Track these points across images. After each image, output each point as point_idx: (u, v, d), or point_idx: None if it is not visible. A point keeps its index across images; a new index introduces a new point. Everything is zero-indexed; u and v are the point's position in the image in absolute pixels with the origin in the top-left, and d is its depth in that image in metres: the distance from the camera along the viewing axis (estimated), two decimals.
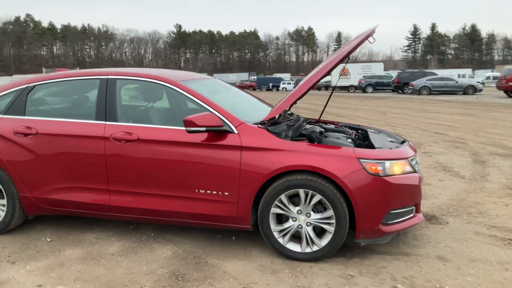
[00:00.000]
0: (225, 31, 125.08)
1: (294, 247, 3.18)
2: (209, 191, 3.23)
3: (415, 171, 3.29)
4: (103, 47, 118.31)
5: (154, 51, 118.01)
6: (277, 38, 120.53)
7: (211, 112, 3.25)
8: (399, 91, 31.07)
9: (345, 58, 3.54)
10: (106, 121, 3.42)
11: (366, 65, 42.12)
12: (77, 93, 3.72)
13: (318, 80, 3.58)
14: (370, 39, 3.49)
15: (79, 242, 3.52)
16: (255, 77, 69.42)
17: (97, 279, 2.91)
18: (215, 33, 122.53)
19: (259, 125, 3.29)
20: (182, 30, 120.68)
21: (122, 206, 3.42)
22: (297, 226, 3.16)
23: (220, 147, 3.18)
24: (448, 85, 27.57)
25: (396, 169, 3.13)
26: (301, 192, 3.08)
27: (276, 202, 3.13)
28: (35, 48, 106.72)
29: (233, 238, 3.59)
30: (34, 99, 3.70)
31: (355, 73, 37.51)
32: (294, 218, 3.16)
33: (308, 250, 3.15)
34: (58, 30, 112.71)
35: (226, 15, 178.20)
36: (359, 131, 4.22)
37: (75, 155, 3.43)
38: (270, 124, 3.35)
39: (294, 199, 3.15)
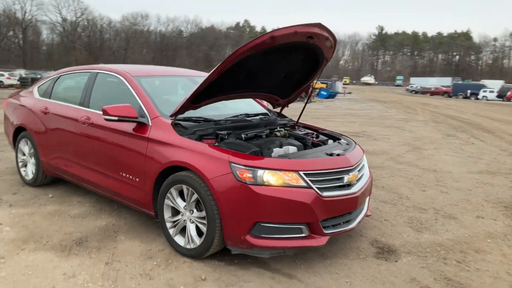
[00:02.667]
0: (431, 32, 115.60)
1: (180, 240, 3.28)
2: (128, 175, 3.61)
3: (309, 187, 2.92)
4: None
5: (351, 53, 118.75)
6: (495, 40, 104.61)
7: (140, 104, 3.61)
8: None
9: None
10: (83, 106, 4.17)
11: None
12: (77, 83, 4.59)
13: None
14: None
15: (63, 204, 4.39)
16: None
17: (32, 224, 3.68)
18: (420, 34, 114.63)
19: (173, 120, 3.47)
20: (384, 31, 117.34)
21: (81, 176, 4.14)
22: (183, 221, 3.25)
23: (137, 137, 3.51)
24: None
25: (272, 180, 2.87)
26: (185, 188, 3.16)
27: (168, 194, 3.29)
28: None
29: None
30: (57, 86, 4.76)
31: None
32: (182, 213, 3.26)
33: (188, 246, 3.20)
34: None
35: (433, 15, 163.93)
36: (326, 139, 3.90)
37: (64, 132, 4.30)
38: (184, 120, 3.50)
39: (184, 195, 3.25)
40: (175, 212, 3.33)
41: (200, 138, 3.32)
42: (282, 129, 4.06)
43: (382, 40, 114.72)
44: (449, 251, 3.48)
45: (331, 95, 32.40)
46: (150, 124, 3.48)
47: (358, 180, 3.34)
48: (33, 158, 4.82)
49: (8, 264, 3.02)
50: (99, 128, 3.86)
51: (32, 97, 4.93)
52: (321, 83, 43.45)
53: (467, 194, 5.15)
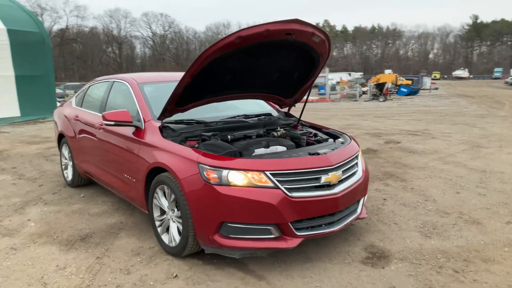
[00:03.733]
0: None
1: (165, 239, 3.40)
2: (128, 176, 3.84)
3: (276, 188, 2.86)
4: (390, 45, 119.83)
5: (442, 46, 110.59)
6: None
7: (137, 109, 3.83)
8: None
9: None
10: (99, 112, 4.52)
11: None
12: (99, 92, 4.96)
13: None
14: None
15: (89, 203, 4.80)
16: None
17: (54, 220, 4.08)
18: None
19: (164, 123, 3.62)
20: (479, 21, 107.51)
21: (100, 178, 4.49)
22: (167, 220, 3.37)
23: (133, 140, 3.73)
24: None
25: (237, 180, 2.86)
26: (166, 188, 3.29)
27: (154, 194, 3.44)
28: None
29: None
30: (87, 95, 5.21)
31: None
32: (166, 213, 3.38)
33: (171, 244, 3.32)
34: (350, 32, 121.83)
35: None
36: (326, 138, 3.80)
37: (87, 136, 4.71)
38: (174, 122, 3.63)
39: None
40: (162, 211, 3.46)
41: (185, 140, 3.43)
42: (281, 129, 4.00)
43: (477, 30, 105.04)
44: (451, 259, 3.14)
45: (413, 92, 30.55)
46: (143, 127, 3.67)
47: (341, 180, 3.17)
48: (71, 161, 5.33)
49: (16, 255, 3.40)
50: (109, 132, 4.16)
51: (70, 106, 5.46)
52: (407, 79, 41.11)
53: (508, 198, 4.57)
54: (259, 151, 3.44)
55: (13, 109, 14.03)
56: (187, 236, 3.07)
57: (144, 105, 3.84)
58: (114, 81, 4.60)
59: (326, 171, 3.05)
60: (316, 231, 3.05)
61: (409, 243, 3.46)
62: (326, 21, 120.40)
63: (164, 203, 3.37)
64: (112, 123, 3.70)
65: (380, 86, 26.27)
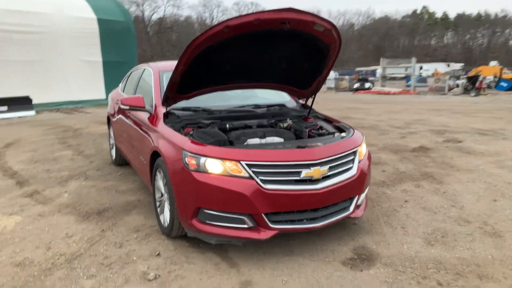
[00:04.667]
0: None
1: (162, 219, 3.60)
2: (142, 158, 4.10)
3: (251, 178, 2.87)
4: (497, 34, 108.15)
5: None
6: None
7: (152, 95, 4.07)
8: None
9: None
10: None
11: None
12: (135, 78, 5.27)
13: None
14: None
15: (121, 181, 5.21)
16: None
17: (85, 194, 4.53)
18: None
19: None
20: None
21: (128, 158, 4.84)
22: (164, 202, 3.56)
23: (146, 125, 3.97)
24: None
25: (213, 168, 2.92)
26: (161, 172, 3.47)
27: (155, 176, 3.65)
28: (426, 38, 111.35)
29: None
30: (128, 81, 5.60)
31: None
32: (162, 194, 3.57)
33: (164, 225, 3.51)
34: (451, 20, 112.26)
35: None
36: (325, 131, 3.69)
37: (121, 119, 5.10)
38: (181, 109, 3.79)
39: None
40: (161, 193, 3.66)
41: (185, 127, 3.57)
42: (289, 121, 3.96)
43: None
44: (442, 270, 2.87)
45: None
46: (153, 112, 3.88)
47: (327, 176, 3.05)
48: (114, 141, 5.82)
49: (40, 221, 3.87)
50: (133, 116, 4.47)
51: (117, 91, 5.93)
52: None
53: None
54: (253, 141, 3.46)
55: (99, 92, 15.51)
56: (173, 219, 3.23)
57: (158, 91, 4.05)
58: (144, 69, 4.89)
59: (308, 166, 2.97)
60: (293, 225, 3.00)
61: (405, 249, 3.23)
62: (424, 7, 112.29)
63: (161, 185, 3.56)
64: (127, 107, 3.98)
65: (472, 79, 23.95)
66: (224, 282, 2.77)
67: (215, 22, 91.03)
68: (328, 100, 18.11)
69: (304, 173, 2.95)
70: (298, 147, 3.13)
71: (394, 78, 40.00)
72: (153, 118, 3.87)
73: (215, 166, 2.92)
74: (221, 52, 3.34)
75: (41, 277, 2.85)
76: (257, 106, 4.16)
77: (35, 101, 13.04)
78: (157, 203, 3.69)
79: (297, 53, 3.72)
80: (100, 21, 15.64)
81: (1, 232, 3.63)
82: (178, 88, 3.55)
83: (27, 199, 4.50)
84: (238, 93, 4.35)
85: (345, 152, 3.24)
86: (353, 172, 3.26)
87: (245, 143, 3.39)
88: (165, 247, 3.30)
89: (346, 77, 30.70)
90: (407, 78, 29.77)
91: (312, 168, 2.97)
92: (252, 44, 3.39)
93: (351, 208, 3.29)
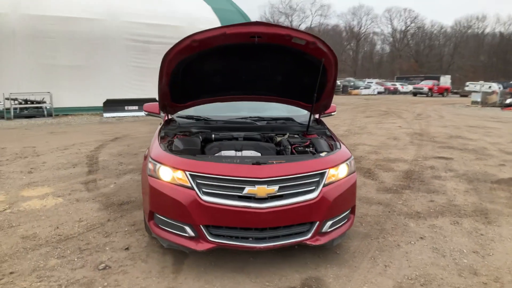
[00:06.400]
0: None
1: None
2: None
3: (191, 188, 2.93)
4: None
5: None
6: None
7: None
8: None
9: None
10: None
11: None
12: None
13: None
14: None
15: None
16: None
17: (128, 185, 5.14)
18: None
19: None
20: None
21: None
22: None
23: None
24: None
25: (164, 175, 3.07)
26: None
27: None
28: None
29: None
30: None
31: None
32: None
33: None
34: None
35: None
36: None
37: None
38: (187, 117, 4.06)
39: None
40: None
41: (176, 134, 3.80)
42: (282, 136, 3.84)
43: None
44: None
45: None
46: (163, 118, 4.21)
47: (276, 196, 2.90)
48: None
49: (73, 205, 4.55)
50: None
51: None
52: None
53: None
54: (228, 153, 3.48)
55: None
56: (144, 218, 3.48)
57: None
58: None
59: (252, 183, 2.88)
60: (234, 242, 2.95)
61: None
62: None
63: None
64: (146, 113, 4.39)
65: None
66: (153, 285, 2.90)
67: (363, 30, 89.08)
68: (458, 116, 16.15)
69: (247, 190, 2.88)
70: (256, 163, 3.04)
71: None
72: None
73: (166, 173, 3.06)
74: (209, 64, 3.47)
75: (29, 251, 3.40)
76: (260, 119, 4.13)
77: None
78: None
79: (294, 68, 3.64)
80: None
81: (39, 209, 4.40)
82: (173, 98, 3.78)
83: (81, 186, 5.31)
84: (251, 105, 4.37)
85: (305, 173, 3.02)
86: (313, 195, 3.02)
87: (217, 155, 3.44)
88: (139, 243, 3.56)
89: (498, 90, 26.80)
90: None
91: (257, 186, 2.88)
92: (244, 58, 3.46)
93: (310, 234, 3.05)
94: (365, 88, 41.95)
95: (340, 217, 3.21)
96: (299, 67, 3.60)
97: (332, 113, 4.65)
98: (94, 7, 14.86)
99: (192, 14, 16.79)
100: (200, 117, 4.09)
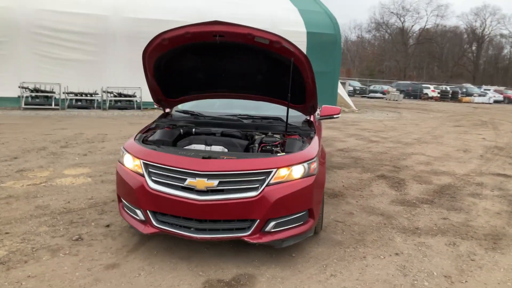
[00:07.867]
0: None
1: None
2: None
3: (142, 175, 3.18)
4: None
5: None
6: None
7: None
8: None
9: None
10: None
11: None
12: None
13: None
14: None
15: None
16: None
17: None
18: None
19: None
20: None
21: None
22: None
23: None
24: None
25: (127, 162, 3.36)
26: None
27: None
28: None
29: None
30: None
31: None
32: None
33: None
34: None
35: None
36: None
37: None
38: (181, 111, 4.34)
39: None
40: None
41: (165, 126, 4.08)
42: (263, 135, 3.88)
43: None
44: None
45: None
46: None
47: (215, 190, 2.99)
48: None
49: (95, 185, 5.14)
50: None
51: None
52: None
53: None
54: (198, 147, 3.65)
55: None
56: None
57: None
58: None
59: (194, 175, 3.02)
60: (175, 230, 3.10)
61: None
62: None
63: None
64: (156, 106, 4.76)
65: None
66: (103, 259, 3.20)
67: (486, 32, 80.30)
68: None
69: (188, 181, 3.02)
70: (208, 157, 3.16)
71: None
72: None
73: (128, 161, 3.36)
74: (189, 61, 3.69)
75: (33, 218, 3.99)
76: (249, 117, 4.20)
77: None
78: None
79: (271, 68, 3.69)
80: (309, 34, 16.93)
81: (67, 185, 5.07)
82: (165, 93, 4.07)
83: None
84: (250, 104, 4.44)
85: (247, 170, 3.05)
86: (254, 193, 3.03)
87: (186, 147, 3.62)
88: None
89: None
90: None
91: (197, 179, 3.00)
92: (221, 56, 3.63)
93: (250, 231, 3.07)
94: (480, 95, 38.04)
95: (289, 218, 3.15)
96: (275, 67, 3.61)
97: (335, 116, 4.50)
98: (184, 9, 16.00)
99: (275, 16, 17.06)
100: (194, 112, 4.32)
